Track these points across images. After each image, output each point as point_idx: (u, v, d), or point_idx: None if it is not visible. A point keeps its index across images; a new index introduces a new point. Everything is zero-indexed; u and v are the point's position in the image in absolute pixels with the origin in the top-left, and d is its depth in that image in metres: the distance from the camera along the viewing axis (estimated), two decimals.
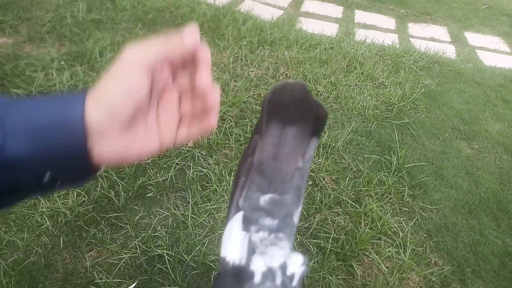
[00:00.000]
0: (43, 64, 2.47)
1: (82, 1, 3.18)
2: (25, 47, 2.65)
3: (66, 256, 1.55)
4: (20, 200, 0.38)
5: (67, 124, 0.33)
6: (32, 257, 1.52)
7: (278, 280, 0.28)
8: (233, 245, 0.29)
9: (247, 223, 0.30)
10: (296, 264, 0.29)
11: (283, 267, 0.29)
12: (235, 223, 0.31)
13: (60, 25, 2.91)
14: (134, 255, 1.58)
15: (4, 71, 2.35)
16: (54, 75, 2.40)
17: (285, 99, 0.33)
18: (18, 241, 1.56)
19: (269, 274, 0.28)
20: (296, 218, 0.32)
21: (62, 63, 2.53)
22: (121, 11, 3.21)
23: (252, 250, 0.29)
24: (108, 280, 1.48)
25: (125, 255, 1.56)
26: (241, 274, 0.28)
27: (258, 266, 0.28)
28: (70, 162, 0.34)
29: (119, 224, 1.69)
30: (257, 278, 0.28)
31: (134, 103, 0.35)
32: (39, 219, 1.65)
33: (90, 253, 1.57)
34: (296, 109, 0.33)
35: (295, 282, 0.29)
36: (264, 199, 0.31)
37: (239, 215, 0.31)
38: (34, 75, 2.36)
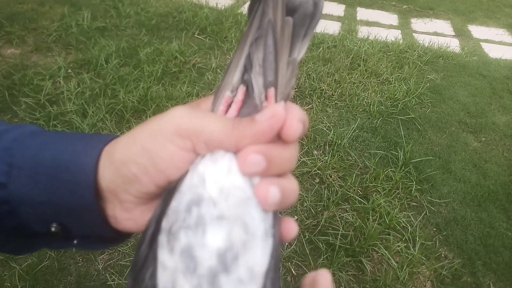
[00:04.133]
0: (50, 72, 2.51)
1: (87, 9, 3.22)
2: (32, 56, 2.70)
3: (79, 260, 1.58)
4: (35, 248, 0.36)
5: (76, 170, 0.30)
6: (46, 261, 1.55)
7: None
8: None
9: None
10: None
11: None
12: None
13: (66, 34, 2.95)
14: None
15: (13, 81, 2.40)
16: (61, 83, 2.44)
17: None
18: None
19: None
20: None
21: (69, 71, 2.57)
22: (125, 18, 3.25)
23: None
24: (120, 282, 1.50)
25: None
26: None
27: None
28: (79, 213, 0.31)
29: None
30: None
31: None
32: None
33: (102, 255, 1.60)
34: None
35: None
36: None
37: None
38: (42, 83, 2.41)
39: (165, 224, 0.27)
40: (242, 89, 0.31)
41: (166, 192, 0.29)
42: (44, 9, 3.26)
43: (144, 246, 0.27)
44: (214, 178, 0.27)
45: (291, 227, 0.30)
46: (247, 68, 0.31)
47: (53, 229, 0.31)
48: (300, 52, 0.32)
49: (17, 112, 2.19)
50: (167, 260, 0.26)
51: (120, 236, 0.34)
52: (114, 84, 2.47)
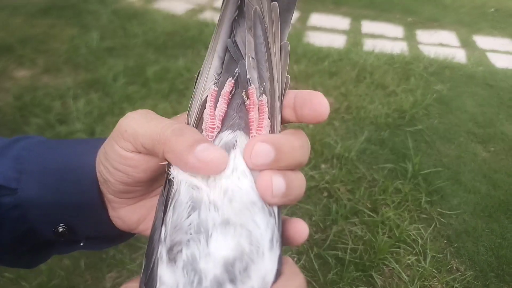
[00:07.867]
0: (60, 93, 2.56)
1: (96, 30, 3.30)
2: (43, 78, 2.76)
3: (88, 278, 1.58)
4: (45, 256, 0.38)
5: (79, 170, 0.32)
6: (55, 280, 1.56)
7: None
8: None
9: None
10: None
11: None
12: None
13: (75, 55, 3.02)
14: None
15: (24, 102, 2.45)
16: (71, 102, 2.49)
17: None
18: (41, 265, 1.60)
19: None
20: None
21: (78, 91, 2.62)
22: (133, 38, 3.32)
23: None
24: None
25: None
26: None
27: None
28: (84, 211, 0.32)
29: (138, 244, 1.71)
30: None
31: (123, 177, 0.29)
32: None
33: (111, 273, 1.60)
34: None
35: None
36: None
37: None
38: (52, 104, 2.46)
39: (163, 234, 0.25)
40: (230, 82, 0.29)
41: (161, 195, 0.27)
42: (54, 31, 3.34)
43: (146, 260, 0.26)
44: (215, 177, 0.25)
45: (301, 228, 0.28)
46: (237, 60, 0.30)
47: (60, 229, 0.33)
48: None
49: (28, 132, 2.23)
50: (167, 276, 0.24)
51: (123, 235, 0.36)
52: (122, 102, 2.51)
